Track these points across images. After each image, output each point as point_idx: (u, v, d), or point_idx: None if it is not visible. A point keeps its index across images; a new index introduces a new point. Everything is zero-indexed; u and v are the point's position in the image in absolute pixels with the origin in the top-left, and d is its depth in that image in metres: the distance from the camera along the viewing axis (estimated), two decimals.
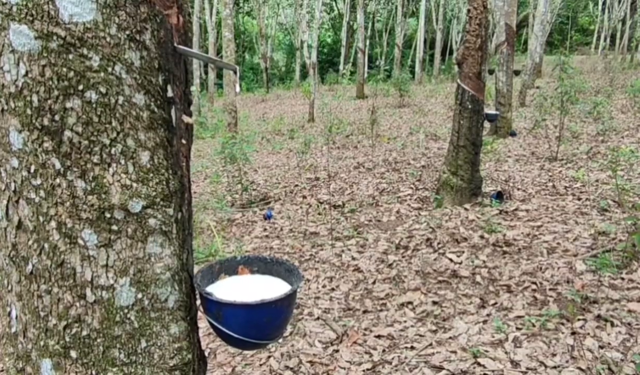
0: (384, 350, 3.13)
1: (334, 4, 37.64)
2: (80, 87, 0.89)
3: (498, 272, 3.98)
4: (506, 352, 2.97)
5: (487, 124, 10.02)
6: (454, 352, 3.03)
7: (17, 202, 0.86)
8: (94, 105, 0.90)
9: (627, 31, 28.54)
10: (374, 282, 4.03)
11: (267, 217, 6.11)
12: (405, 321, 3.43)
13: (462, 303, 3.59)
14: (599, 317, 3.22)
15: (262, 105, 22.04)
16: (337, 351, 3.16)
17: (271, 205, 6.69)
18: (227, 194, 7.27)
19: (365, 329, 3.37)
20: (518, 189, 6.21)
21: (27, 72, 0.88)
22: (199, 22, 20.32)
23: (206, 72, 23.54)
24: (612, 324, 3.13)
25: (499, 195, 5.78)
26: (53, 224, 0.86)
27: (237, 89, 1.68)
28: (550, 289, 3.64)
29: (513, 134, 10.07)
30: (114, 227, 0.89)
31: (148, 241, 0.91)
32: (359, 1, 21.33)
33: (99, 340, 0.88)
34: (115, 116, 0.91)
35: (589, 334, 3.07)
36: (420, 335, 3.24)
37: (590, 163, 7.18)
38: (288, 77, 37.09)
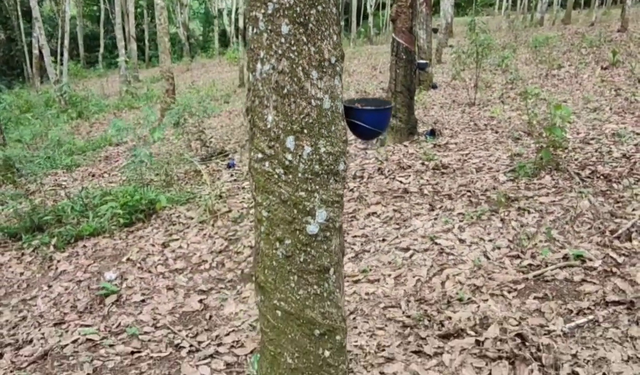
0: (362, 244, 3.98)
1: None
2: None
3: (440, 186, 4.92)
4: (455, 235, 3.90)
5: None
6: (416, 239, 3.92)
7: (279, 59, 1.58)
8: (322, 12, 1.68)
9: None
10: None
11: (230, 166, 6.75)
12: (374, 225, 4.29)
13: (416, 209, 4.50)
14: (519, 208, 4.23)
15: (189, 74, 22.06)
16: None
17: (230, 156, 7.33)
18: (185, 151, 7.80)
19: (344, 232, 4.20)
20: (446, 129, 7.23)
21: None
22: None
23: (126, 47, 23.01)
24: (529, 212, 4.15)
25: (432, 133, 6.75)
26: (300, 68, 1.62)
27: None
28: (481, 195, 4.62)
29: (434, 87, 11.16)
30: (324, 70, 1.68)
31: (335, 78, 1.69)
32: None
33: (316, 124, 1.66)
34: (328, 18, 1.66)
35: (512, 219, 4.06)
36: (388, 232, 4.12)
37: (503, 106, 8.36)
38: (206, 46, 36.77)
